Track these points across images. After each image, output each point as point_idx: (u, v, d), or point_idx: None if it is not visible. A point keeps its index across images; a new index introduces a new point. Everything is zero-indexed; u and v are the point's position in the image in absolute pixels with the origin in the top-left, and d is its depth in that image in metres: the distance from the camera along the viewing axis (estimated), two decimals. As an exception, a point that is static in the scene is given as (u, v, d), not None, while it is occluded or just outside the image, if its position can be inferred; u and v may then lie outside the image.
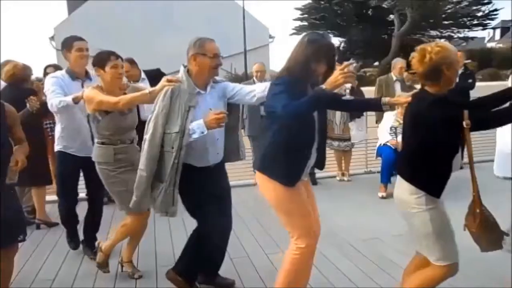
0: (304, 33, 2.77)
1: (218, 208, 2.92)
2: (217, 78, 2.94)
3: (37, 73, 6.20)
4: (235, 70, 28.87)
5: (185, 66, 2.83)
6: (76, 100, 3.31)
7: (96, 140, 3.16)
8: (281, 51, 52.42)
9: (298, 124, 2.35)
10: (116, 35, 24.48)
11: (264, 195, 2.55)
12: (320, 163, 2.69)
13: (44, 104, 4.24)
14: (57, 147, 3.69)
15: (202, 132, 2.64)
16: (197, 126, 2.65)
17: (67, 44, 3.60)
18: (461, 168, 6.59)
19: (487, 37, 53.44)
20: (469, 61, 7.37)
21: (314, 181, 6.15)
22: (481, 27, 39.78)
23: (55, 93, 3.42)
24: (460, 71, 6.34)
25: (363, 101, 3.40)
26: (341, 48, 39.96)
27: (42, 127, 4.74)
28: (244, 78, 21.03)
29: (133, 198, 2.84)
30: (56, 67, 4.99)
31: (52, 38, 27.21)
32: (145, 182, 2.75)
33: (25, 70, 4.46)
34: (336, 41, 38.74)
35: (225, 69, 30.13)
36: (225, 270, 3.32)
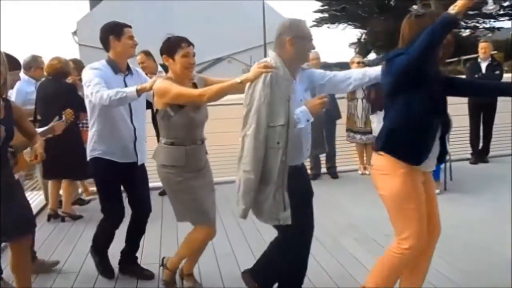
0: (325, 25, 2.73)
1: (311, 213, 2.69)
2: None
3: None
4: (254, 63, 28.84)
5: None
6: (141, 92, 2.81)
7: (163, 141, 2.77)
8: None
9: (420, 98, 2.20)
10: (138, 29, 24.64)
11: (379, 183, 2.39)
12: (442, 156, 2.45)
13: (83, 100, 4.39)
14: (92, 153, 3.11)
15: (308, 120, 2.40)
16: (302, 114, 2.39)
17: (116, 30, 3.02)
18: (487, 161, 6.58)
19: (513, 27, 52.01)
20: (495, 52, 7.18)
21: (335, 175, 6.13)
22: (507, 17, 38.70)
23: (101, 86, 2.86)
24: (487, 62, 6.18)
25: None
26: (362, 40, 39.45)
27: (76, 122, 4.81)
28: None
29: (240, 206, 2.45)
30: (76, 62, 5.06)
31: (74, 33, 27.62)
32: (254, 186, 2.36)
33: (68, 65, 4.54)
34: (357, 32, 38.30)
35: (243, 61, 30.17)
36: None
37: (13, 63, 3.26)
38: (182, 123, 2.69)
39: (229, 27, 28.18)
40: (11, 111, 2.52)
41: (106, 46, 3.05)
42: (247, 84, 2.37)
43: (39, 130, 3.24)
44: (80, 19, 27.99)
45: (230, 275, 3.29)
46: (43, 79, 4.60)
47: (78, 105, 3.88)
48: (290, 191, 2.38)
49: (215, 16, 27.64)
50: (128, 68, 3.14)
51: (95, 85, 2.85)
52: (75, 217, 4.72)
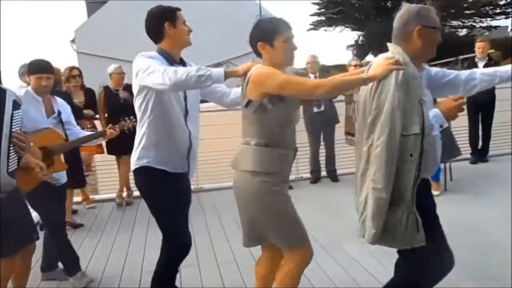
0: (322, 28, 2.66)
1: (442, 231, 2.19)
2: None
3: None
4: (253, 67, 28.91)
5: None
6: (230, 76, 2.29)
7: (252, 141, 2.20)
8: (298, 47, 52.09)
9: None
10: (136, 37, 24.71)
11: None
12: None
13: (77, 108, 4.44)
14: (140, 162, 2.53)
15: (441, 126, 2.06)
16: (435, 119, 2.03)
17: (171, 16, 2.50)
18: (486, 161, 6.57)
19: (511, 25, 52.12)
20: (492, 50, 7.17)
21: (335, 178, 6.13)
22: (504, 16, 38.81)
23: (161, 66, 2.30)
24: (484, 62, 6.20)
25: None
26: (359, 42, 39.54)
27: None
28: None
29: (369, 231, 2.05)
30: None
31: (72, 41, 27.66)
32: (385, 206, 1.98)
33: (58, 74, 4.55)
34: (354, 35, 38.34)
35: (243, 66, 30.26)
36: (252, 274, 3.33)
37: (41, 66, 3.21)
38: (279, 119, 2.19)
39: (227, 31, 28.25)
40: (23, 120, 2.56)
41: (158, 35, 2.50)
42: (371, 84, 2.02)
43: (86, 133, 3.35)
44: (77, 27, 28.05)
45: (232, 282, 3.28)
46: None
47: (74, 113, 3.88)
48: (421, 207, 2.02)
49: (213, 20, 27.72)
50: (182, 60, 2.60)
51: (159, 65, 2.29)
52: (76, 226, 4.71)
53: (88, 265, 3.73)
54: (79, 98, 5.11)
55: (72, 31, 28.07)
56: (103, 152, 5.39)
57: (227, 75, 2.24)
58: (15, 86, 4.70)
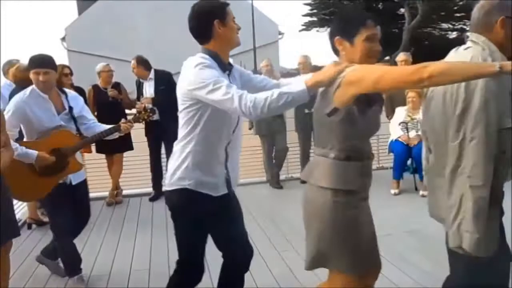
0: (314, 29, 2.51)
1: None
2: None
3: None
4: (244, 67, 28.88)
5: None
6: (315, 88, 1.92)
7: (332, 154, 1.91)
8: (290, 48, 52.30)
9: None
10: (127, 35, 24.60)
11: None
12: None
13: None
14: (181, 182, 2.18)
15: None
16: None
17: (221, 12, 2.14)
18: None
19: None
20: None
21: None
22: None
23: (232, 86, 1.96)
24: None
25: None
26: (351, 43, 39.70)
27: None
28: (254, 75, 20.98)
29: (472, 236, 1.76)
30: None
31: (63, 39, 27.44)
32: (487, 207, 1.74)
33: (19, 71, 4.45)
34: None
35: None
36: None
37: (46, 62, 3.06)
38: (365, 128, 1.92)
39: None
40: None
41: (205, 35, 2.14)
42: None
43: (102, 127, 3.19)
44: (68, 25, 27.84)
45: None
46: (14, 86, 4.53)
47: None
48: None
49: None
50: (229, 63, 2.26)
51: (227, 87, 1.93)
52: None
53: (95, 263, 3.71)
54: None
55: (62, 28, 27.84)
56: (90, 152, 5.36)
57: (310, 89, 1.89)
58: (2, 83, 4.67)
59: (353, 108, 1.83)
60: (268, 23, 29.65)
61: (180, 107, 2.15)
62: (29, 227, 4.69)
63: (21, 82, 4.34)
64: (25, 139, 3.08)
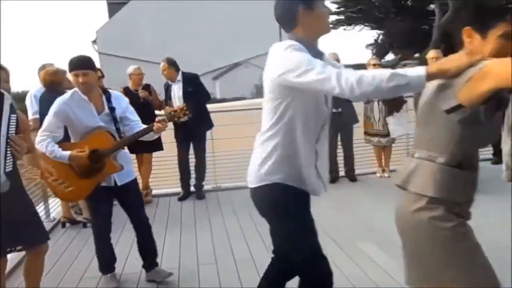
0: (342, 27, 2.42)
1: None
2: None
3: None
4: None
5: None
6: (437, 78, 1.65)
7: (442, 159, 1.68)
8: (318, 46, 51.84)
9: None
10: (156, 37, 24.97)
11: None
12: None
13: None
14: (271, 177, 2.03)
15: None
16: None
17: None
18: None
19: None
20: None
21: (354, 178, 6.11)
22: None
23: (325, 66, 1.77)
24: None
25: None
26: (379, 41, 39.16)
27: None
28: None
29: None
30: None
31: (94, 42, 28.09)
32: None
33: (56, 75, 4.58)
34: (374, 33, 37.92)
35: (260, 66, 30.23)
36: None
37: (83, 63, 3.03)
38: (488, 132, 1.70)
39: (244, 31, 28.31)
40: (17, 124, 2.57)
41: (291, 22, 1.99)
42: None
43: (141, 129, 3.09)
44: (99, 28, 28.48)
45: (249, 281, 3.30)
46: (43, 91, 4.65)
47: None
48: None
49: (229, 19, 27.80)
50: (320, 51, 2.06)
51: (322, 66, 1.75)
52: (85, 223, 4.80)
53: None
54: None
55: (93, 31, 28.51)
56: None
57: (431, 77, 1.61)
58: (37, 86, 4.80)
59: (480, 108, 1.57)
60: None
61: (267, 96, 1.99)
62: (63, 225, 4.83)
63: (50, 85, 4.49)
64: (72, 141, 3.15)
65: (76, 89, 3.05)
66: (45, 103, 4.45)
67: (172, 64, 5.46)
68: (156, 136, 3.15)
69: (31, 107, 4.72)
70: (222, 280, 3.34)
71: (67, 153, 2.97)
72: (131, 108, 3.26)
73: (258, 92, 29.04)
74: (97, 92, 3.12)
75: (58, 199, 5.17)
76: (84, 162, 3.01)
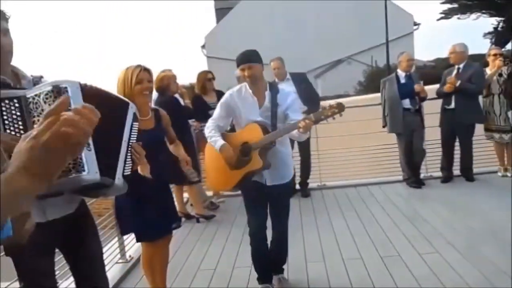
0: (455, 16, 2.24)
1: None
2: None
3: (190, 78, 6.84)
4: (376, 63, 27.91)
5: None
6: None
7: None
8: (427, 39, 49.00)
9: None
10: (262, 39, 25.56)
11: None
12: None
13: (189, 109, 4.83)
14: None
15: None
16: None
17: None
18: None
19: None
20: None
21: (471, 177, 5.67)
22: None
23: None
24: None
25: None
26: (499, 28, 35.81)
27: (189, 128, 5.21)
28: (386, 71, 20.15)
29: None
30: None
31: (203, 47, 29.59)
32: None
33: (162, 80, 4.84)
34: (493, 21, 34.74)
35: (364, 62, 29.35)
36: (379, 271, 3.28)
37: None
38: None
39: (347, 27, 27.74)
40: (160, 120, 2.84)
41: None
42: None
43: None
44: (207, 33, 29.90)
45: (358, 280, 3.26)
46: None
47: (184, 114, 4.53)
48: None
49: (336, 15, 27.42)
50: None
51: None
52: (209, 217, 5.06)
53: (220, 256, 3.99)
54: (211, 99, 5.47)
55: (202, 37, 30.03)
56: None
57: None
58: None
59: None
60: (402, 14, 28.22)
61: None
62: (197, 221, 5.14)
63: (159, 90, 4.83)
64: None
65: (245, 83, 3.06)
66: (157, 106, 4.81)
67: (283, 62, 5.56)
68: (305, 137, 2.98)
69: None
70: (330, 278, 3.32)
71: (220, 143, 2.99)
72: (296, 106, 3.11)
73: (362, 89, 28.26)
74: (262, 87, 3.05)
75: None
76: (233, 153, 3.00)
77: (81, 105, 0.77)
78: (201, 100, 5.37)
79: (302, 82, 5.49)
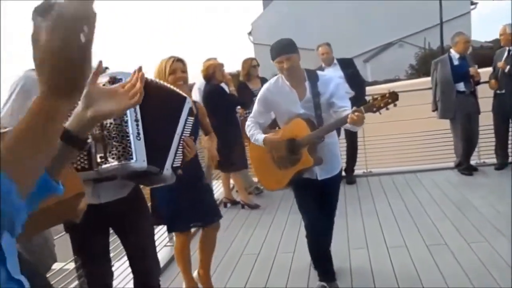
0: None
1: None
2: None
3: (236, 66, 6.90)
4: (429, 45, 26.88)
5: None
6: None
7: None
8: (485, 19, 46.48)
9: None
10: (309, 24, 25.25)
11: None
12: None
13: (234, 97, 4.86)
14: None
15: None
16: None
17: None
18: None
19: None
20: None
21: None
22: None
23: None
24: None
25: None
26: None
27: (236, 116, 5.27)
28: (440, 53, 19.37)
29: None
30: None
31: (249, 33, 29.64)
32: None
33: (208, 69, 4.90)
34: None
35: (417, 44, 28.33)
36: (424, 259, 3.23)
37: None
38: None
39: (398, 8, 26.84)
40: (197, 111, 2.92)
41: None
42: None
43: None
44: (254, 20, 29.90)
45: (402, 267, 3.22)
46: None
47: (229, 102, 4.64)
48: None
49: (383, -1, 26.59)
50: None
51: None
52: (252, 207, 5.14)
53: (264, 241, 4.06)
54: (256, 86, 5.51)
55: (249, 24, 30.06)
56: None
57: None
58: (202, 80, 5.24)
59: None
60: (456, -6, 26.93)
61: None
62: (225, 205, 5.29)
63: (205, 79, 4.91)
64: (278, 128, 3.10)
65: (280, 75, 2.88)
66: (204, 95, 4.92)
67: (330, 48, 5.52)
68: (359, 128, 2.74)
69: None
70: (373, 265, 3.31)
71: (262, 136, 2.89)
72: (341, 92, 2.89)
73: (414, 72, 27.35)
74: (301, 77, 2.84)
75: (220, 181, 5.70)
76: (281, 151, 2.88)
77: None
78: (245, 87, 5.43)
79: (349, 67, 5.44)
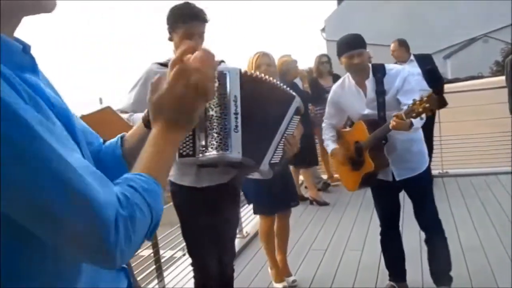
0: None
1: None
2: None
3: (309, 63, 6.91)
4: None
5: None
6: None
7: None
8: None
9: None
10: (383, 20, 24.61)
11: None
12: None
13: (306, 93, 4.86)
14: None
15: None
16: None
17: None
18: None
19: None
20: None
21: None
22: None
23: None
24: None
25: None
26: None
27: (308, 113, 5.28)
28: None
29: None
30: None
31: (322, 30, 29.43)
32: None
33: (281, 66, 4.87)
34: None
35: (503, 40, 26.50)
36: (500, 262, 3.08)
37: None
38: None
39: (483, 4, 25.27)
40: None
41: None
42: None
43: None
44: (327, 17, 29.61)
45: (478, 268, 3.09)
46: None
47: (302, 99, 4.39)
48: None
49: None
50: None
51: None
52: (321, 203, 5.14)
53: (332, 238, 4.06)
54: (327, 83, 5.50)
55: (322, 20, 29.84)
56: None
57: None
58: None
59: None
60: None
61: None
62: (311, 203, 5.28)
63: (280, 76, 4.95)
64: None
65: (347, 74, 2.79)
66: None
67: (402, 44, 5.34)
68: (412, 130, 2.49)
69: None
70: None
71: (331, 148, 2.91)
72: (407, 87, 2.63)
73: (499, 69, 25.61)
74: (368, 74, 2.70)
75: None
76: (350, 154, 2.84)
77: (200, 51, 0.85)
78: (317, 83, 5.44)
79: (427, 63, 5.25)
